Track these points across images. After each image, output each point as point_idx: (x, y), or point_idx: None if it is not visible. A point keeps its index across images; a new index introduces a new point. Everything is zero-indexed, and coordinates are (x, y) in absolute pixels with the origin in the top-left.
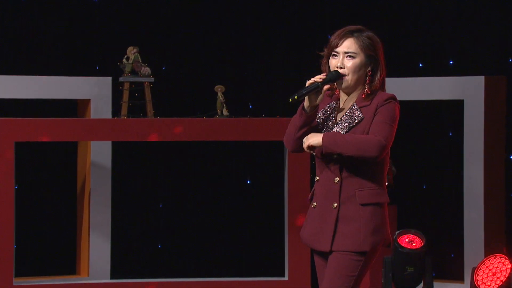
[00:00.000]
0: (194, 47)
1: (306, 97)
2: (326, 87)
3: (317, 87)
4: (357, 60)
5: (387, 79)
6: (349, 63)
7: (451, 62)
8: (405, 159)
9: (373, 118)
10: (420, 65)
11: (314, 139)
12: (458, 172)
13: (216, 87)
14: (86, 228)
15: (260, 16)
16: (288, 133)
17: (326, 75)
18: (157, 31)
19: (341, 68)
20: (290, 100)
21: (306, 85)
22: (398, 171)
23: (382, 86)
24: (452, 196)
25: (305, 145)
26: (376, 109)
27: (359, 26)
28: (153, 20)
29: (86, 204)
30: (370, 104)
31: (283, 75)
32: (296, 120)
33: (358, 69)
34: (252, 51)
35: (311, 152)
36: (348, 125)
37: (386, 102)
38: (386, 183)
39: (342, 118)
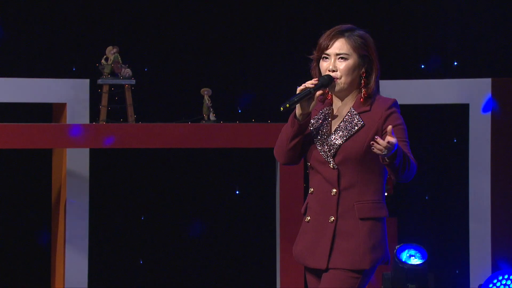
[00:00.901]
0: (179, 47)
1: (297, 105)
2: (318, 92)
3: (309, 94)
4: (350, 62)
5: (386, 82)
6: (342, 65)
7: (455, 63)
8: None
9: (378, 128)
10: (422, 66)
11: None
12: (463, 181)
13: (202, 90)
14: (62, 242)
15: (249, 14)
16: (279, 145)
17: (317, 80)
18: (138, 29)
19: (333, 71)
20: (282, 108)
21: (297, 92)
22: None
23: (378, 88)
24: (456, 207)
25: (384, 144)
26: (382, 119)
27: (349, 25)
28: (134, 18)
29: (62, 216)
30: (370, 110)
31: (274, 77)
32: (287, 130)
33: (351, 71)
34: (241, 51)
35: (384, 159)
36: (347, 133)
37: (391, 111)
38: (386, 193)
39: (340, 125)
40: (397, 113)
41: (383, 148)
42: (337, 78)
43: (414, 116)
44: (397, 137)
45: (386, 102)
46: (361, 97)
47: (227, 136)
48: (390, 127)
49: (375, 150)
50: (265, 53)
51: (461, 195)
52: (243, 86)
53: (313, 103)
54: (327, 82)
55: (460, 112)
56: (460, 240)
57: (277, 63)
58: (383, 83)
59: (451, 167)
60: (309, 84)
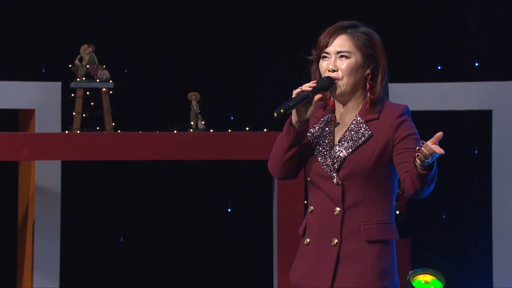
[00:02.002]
0: (163, 45)
1: (294, 111)
2: (317, 96)
3: (307, 98)
4: (352, 60)
5: (398, 85)
6: (343, 64)
7: (476, 65)
8: None
9: (388, 138)
10: (439, 67)
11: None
12: (485, 198)
13: (189, 94)
14: (29, 267)
15: (243, 12)
16: (274, 157)
17: (316, 82)
18: (116, 25)
19: (333, 71)
20: (275, 114)
21: (293, 96)
22: (411, 198)
23: (386, 92)
24: (478, 227)
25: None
26: (392, 128)
27: (353, 22)
28: (111, 13)
29: (29, 237)
30: (379, 118)
31: (271, 81)
32: (282, 139)
33: (354, 70)
34: (234, 50)
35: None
36: (352, 144)
37: (402, 120)
38: (397, 212)
39: (345, 135)
40: (409, 121)
41: (429, 156)
42: (338, 80)
43: (428, 125)
44: (410, 148)
45: (396, 109)
46: (367, 102)
47: (218, 146)
48: (440, 133)
49: (420, 156)
50: (261, 51)
51: (483, 214)
52: (236, 89)
53: (311, 108)
54: (327, 84)
55: (481, 119)
56: (482, 265)
57: (274, 64)
58: (393, 87)
59: (472, 182)
60: (306, 87)
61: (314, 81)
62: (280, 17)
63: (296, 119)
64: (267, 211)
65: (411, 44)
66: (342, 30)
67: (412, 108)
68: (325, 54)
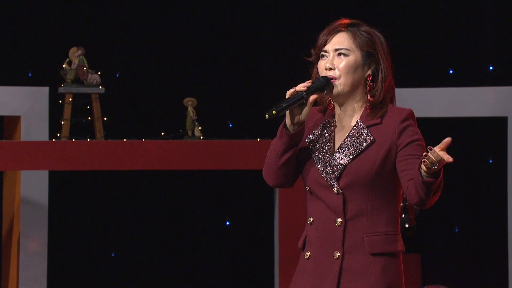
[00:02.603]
0: (157, 48)
1: (287, 112)
2: (312, 97)
3: (301, 99)
4: (350, 58)
5: (406, 90)
6: (341, 62)
7: (490, 68)
8: None
9: (391, 144)
10: (451, 71)
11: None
12: (500, 210)
13: (185, 100)
14: (14, 284)
15: (241, 13)
16: (268, 163)
17: (311, 82)
18: (107, 26)
19: (330, 69)
20: (267, 116)
21: (287, 96)
22: (421, 210)
23: (391, 97)
24: (492, 241)
25: (447, 158)
26: (396, 133)
27: (355, 20)
28: (102, 13)
29: (14, 252)
30: (381, 123)
31: (272, 85)
32: (276, 143)
33: (352, 69)
34: (233, 53)
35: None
36: (353, 151)
37: (406, 125)
38: (406, 225)
39: (346, 140)
40: (414, 126)
41: (436, 162)
42: (335, 78)
43: (439, 132)
44: (414, 154)
45: (400, 114)
46: (367, 106)
47: (216, 155)
48: (449, 139)
49: (426, 163)
50: (262, 53)
51: (497, 227)
52: (235, 95)
53: (306, 109)
54: (323, 84)
55: (496, 126)
56: (497, 282)
57: (276, 67)
58: (401, 92)
59: (486, 193)
60: (301, 87)
61: (309, 81)
62: (280, 19)
63: (290, 121)
64: (268, 224)
65: (421, 47)
66: (342, 28)
67: (422, 114)
68: (323, 53)
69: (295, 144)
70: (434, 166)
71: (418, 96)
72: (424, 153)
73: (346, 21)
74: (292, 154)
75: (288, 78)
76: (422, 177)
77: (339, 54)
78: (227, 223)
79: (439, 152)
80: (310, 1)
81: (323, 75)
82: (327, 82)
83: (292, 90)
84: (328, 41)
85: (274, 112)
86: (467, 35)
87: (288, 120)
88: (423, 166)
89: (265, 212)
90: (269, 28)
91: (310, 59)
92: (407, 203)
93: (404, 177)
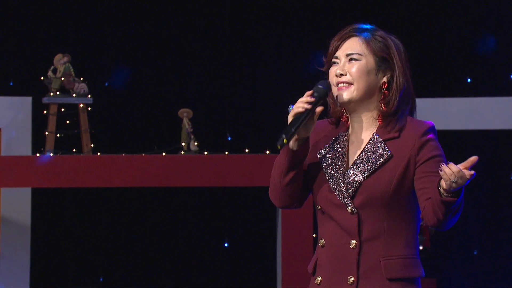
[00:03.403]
0: (150, 55)
1: None
2: (318, 110)
3: (307, 115)
4: (362, 63)
5: (419, 101)
6: (353, 67)
7: (511, 77)
8: None
9: (410, 160)
10: (469, 80)
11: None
12: None
13: (180, 111)
14: None
15: (240, 20)
16: (273, 181)
17: (313, 94)
18: (95, 32)
19: (341, 75)
20: (279, 146)
21: (292, 118)
22: (437, 231)
23: (410, 108)
24: None
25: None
26: (415, 148)
27: (369, 25)
28: (89, 18)
29: None
30: (399, 137)
31: (274, 95)
32: (280, 161)
33: (365, 74)
34: (231, 60)
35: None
36: (369, 167)
37: (426, 139)
38: (421, 247)
39: (361, 156)
40: (435, 141)
41: (456, 178)
42: (349, 83)
43: (456, 146)
44: (433, 172)
45: (420, 127)
46: (380, 117)
47: (214, 171)
48: (475, 157)
49: (446, 179)
50: (263, 61)
51: None
52: (234, 105)
53: (311, 123)
54: (325, 91)
55: None
56: None
57: (279, 76)
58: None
59: (507, 213)
60: (304, 103)
61: (309, 93)
62: (279, 28)
63: (295, 137)
64: (270, 246)
65: (436, 54)
66: (355, 33)
67: (438, 126)
68: (334, 60)
69: (300, 161)
70: (453, 185)
71: (433, 107)
72: (439, 169)
73: (360, 25)
74: (297, 172)
75: (290, 87)
76: (441, 196)
77: (351, 59)
78: (226, 244)
79: (464, 171)
80: (311, 12)
81: (333, 82)
82: (328, 87)
83: (296, 110)
84: (340, 47)
85: (285, 140)
86: (486, 41)
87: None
88: (442, 183)
89: (267, 233)
90: (269, 36)
91: (323, 69)
92: (421, 223)
93: (421, 196)
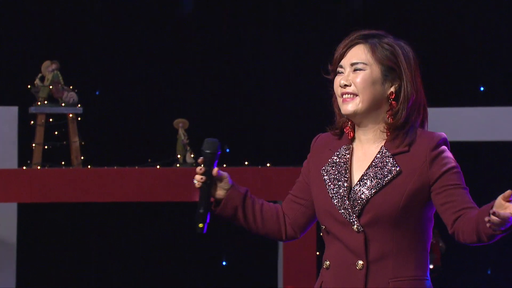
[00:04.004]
0: (143, 61)
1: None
2: (214, 171)
3: (208, 186)
4: (367, 72)
5: (429, 110)
6: (357, 77)
7: None
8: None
9: (422, 176)
10: (481, 89)
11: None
12: None
13: (176, 121)
14: None
15: (238, 27)
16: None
17: (204, 163)
18: (85, 37)
19: (345, 86)
20: (199, 231)
21: (199, 197)
22: (448, 248)
23: (421, 120)
24: None
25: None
26: (427, 162)
27: (377, 31)
28: (79, 23)
29: None
30: (409, 151)
31: (275, 105)
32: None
33: (370, 84)
34: (229, 68)
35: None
36: (377, 183)
37: (438, 152)
38: (431, 266)
39: (368, 171)
40: (447, 152)
41: (505, 222)
42: (353, 94)
43: (470, 158)
44: (453, 184)
45: (431, 140)
46: (387, 130)
47: None
48: (510, 191)
49: (489, 224)
50: (261, 70)
51: None
52: (232, 115)
53: (218, 185)
54: (211, 155)
55: None
56: None
57: (280, 85)
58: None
59: None
60: (199, 180)
61: (200, 160)
62: (280, 36)
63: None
64: (271, 265)
65: (447, 61)
66: (361, 40)
67: (450, 138)
68: (339, 69)
69: (232, 211)
70: (503, 226)
71: (444, 117)
72: (486, 218)
73: (367, 32)
74: (245, 216)
75: (293, 97)
76: (493, 230)
77: (355, 69)
78: (224, 263)
79: (505, 209)
80: (311, 21)
81: (338, 93)
82: (212, 148)
83: (196, 183)
84: (345, 55)
85: (201, 225)
86: (500, 47)
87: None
88: (493, 218)
89: (268, 251)
90: (269, 43)
91: (329, 76)
92: (432, 240)
93: (445, 211)
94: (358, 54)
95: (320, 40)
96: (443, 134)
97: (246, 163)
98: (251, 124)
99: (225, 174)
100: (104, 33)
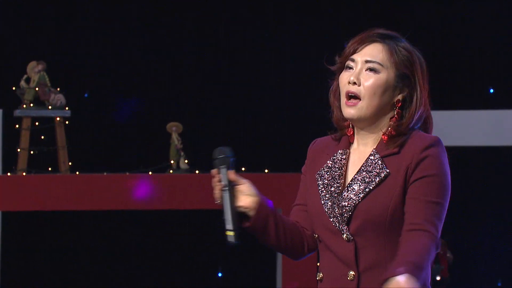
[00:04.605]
0: (134, 62)
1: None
2: (231, 175)
3: (229, 193)
4: (381, 77)
5: (435, 113)
6: (369, 79)
7: None
8: (468, 239)
9: (406, 179)
10: (491, 90)
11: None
12: None
13: (169, 125)
14: None
15: (236, 24)
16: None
17: (218, 171)
18: (73, 37)
19: (354, 83)
20: (232, 243)
21: (224, 206)
22: (456, 258)
23: (424, 124)
24: None
25: None
26: (412, 164)
27: (392, 32)
28: (66, 22)
29: None
30: (398, 153)
31: (272, 107)
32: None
33: (380, 90)
34: (225, 69)
35: None
36: (365, 187)
37: (427, 154)
38: (438, 278)
39: (356, 176)
40: (437, 157)
41: None
42: (357, 95)
43: (478, 164)
44: (416, 194)
45: (422, 141)
46: (385, 134)
47: (206, 192)
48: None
49: None
50: (259, 71)
51: None
52: (228, 119)
53: (242, 192)
54: (226, 159)
55: None
56: None
57: (278, 86)
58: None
59: None
60: (218, 190)
61: (214, 172)
62: (277, 37)
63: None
64: (269, 278)
65: (454, 61)
66: (378, 38)
67: (454, 142)
68: (350, 62)
69: (263, 225)
70: None
71: (451, 120)
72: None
73: (382, 30)
74: (275, 232)
75: (291, 99)
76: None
77: (369, 68)
78: (219, 274)
79: None
80: (309, 23)
81: (343, 90)
82: (226, 153)
83: (218, 201)
84: (359, 50)
85: (232, 233)
86: (510, 47)
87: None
88: None
89: (265, 261)
90: (265, 45)
91: (333, 68)
92: (439, 251)
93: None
94: (376, 52)
95: (320, 46)
96: (436, 137)
97: (243, 169)
98: (248, 129)
99: (245, 180)
100: (94, 31)
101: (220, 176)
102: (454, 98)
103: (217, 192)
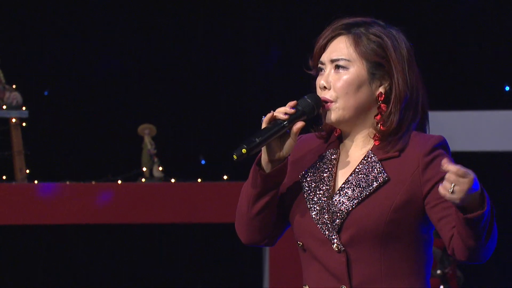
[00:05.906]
0: (101, 56)
1: (264, 148)
2: (297, 126)
3: (282, 129)
4: (351, 73)
5: (442, 114)
6: (338, 80)
7: None
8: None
9: (413, 186)
10: (507, 88)
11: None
12: None
13: (141, 127)
14: None
15: (217, 17)
16: (240, 212)
17: (296, 105)
18: (31, 29)
19: (324, 88)
20: (235, 156)
21: (263, 126)
22: (467, 278)
23: (421, 122)
24: None
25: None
26: (419, 169)
27: (364, 18)
28: (24, 12)
29: None
30: (399, 156)
31: (257, 108)
32: (250, 186)
33: (353, 88)
34: (203, 68)
35: None
36: (361, 192)
37: (434, 156)
38: None
39: (350, 179)
40: (444, 156)
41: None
42: (331, 101)
43: (491, 171)
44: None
45: (425, 143)
46: (376, 136)
47: (183, 203)
48: (445, 161)
49: (447, 196)
50: (242, 66)
51: None
52: (208, 120)
53: (290, 142)
54: (311, 107)
55: None
56: None
57: (264, 84)
58: (437, 116)
59: None
60: (281, 112)
61: (293, 103)
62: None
63: (267, 158)
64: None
65: (466, 57)
66: (343, 30)
67: (464, 147)
68: (320, 65)
69: (273, 187)
70: (458, 197)
71: (460, 122)
72: (440, 188)
73: (349, 19)
74: (269, 201)
75: (277, 98)
76: (462, 214)
77: (336, 67)
78: None
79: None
80: (297, 22)
81: (319, 94)
82: (317, 103)
83: (269, 115)
84: (325, 48)
85: (244, 150)
86: None
87: (264, 156)
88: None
89: (251, 277)
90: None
91: (311, 72)
92: (447, 270)
93: (444, 226)
94: (340, 48)
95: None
96: (441, 137)
97: (225, 177)
98: (230, 133)
99: (289, 152)
100: (54, 23)
101: (292, 113)
102: (464, 97)
103: (276, 115)
